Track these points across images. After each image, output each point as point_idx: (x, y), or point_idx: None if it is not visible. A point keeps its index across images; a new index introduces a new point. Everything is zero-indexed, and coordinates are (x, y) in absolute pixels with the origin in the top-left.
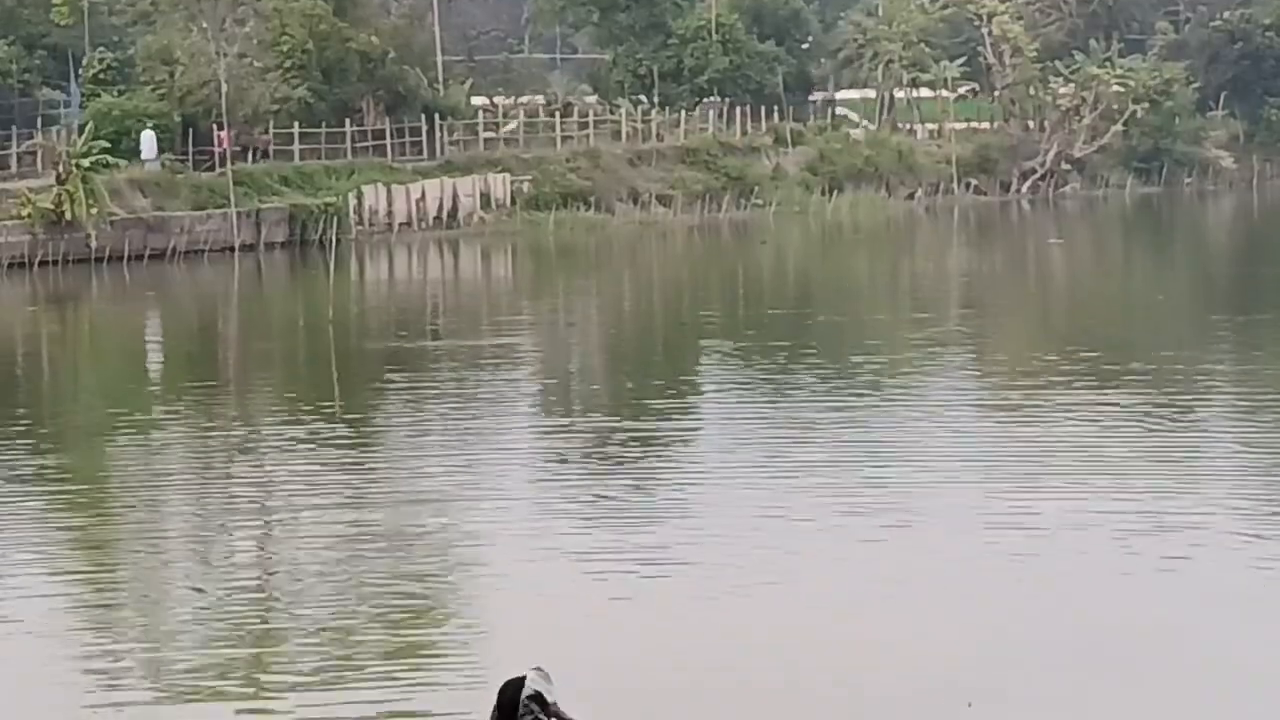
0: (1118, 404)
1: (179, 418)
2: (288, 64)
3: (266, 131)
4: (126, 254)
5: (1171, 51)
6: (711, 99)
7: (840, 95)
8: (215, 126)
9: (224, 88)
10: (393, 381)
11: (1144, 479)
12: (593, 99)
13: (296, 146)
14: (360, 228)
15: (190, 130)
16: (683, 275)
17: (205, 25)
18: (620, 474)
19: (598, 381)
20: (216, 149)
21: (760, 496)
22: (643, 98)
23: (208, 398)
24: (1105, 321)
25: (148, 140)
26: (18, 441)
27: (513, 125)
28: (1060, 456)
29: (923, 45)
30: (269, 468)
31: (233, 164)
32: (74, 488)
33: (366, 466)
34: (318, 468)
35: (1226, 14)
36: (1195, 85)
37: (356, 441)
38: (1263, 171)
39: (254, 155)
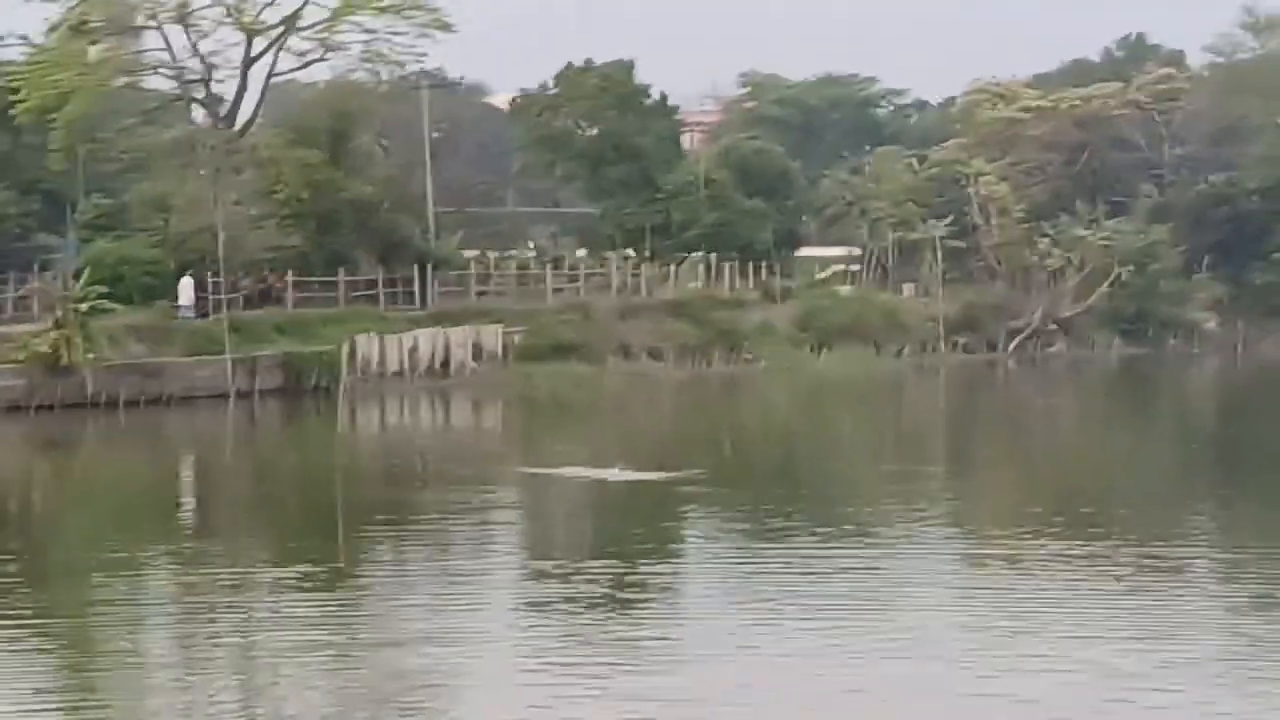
0: (1093, 559)
1: (168, 562)
2: (284, 212)
3: (283, 278)
4: (122, 399)
5: (1156, 214)
6: (699, 254)
7: (827, 252)
8: (210, 273)
9: (220, 235)
10: (381, 528)
11: (1120, 641)
12: (582, 253)
13: (290, 295)
14: (353, 377)
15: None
16: (672, 428)
17: (202, 172)
18: (605, 619)
19: (582, 529)
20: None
21: (736, 659)
22: (631, 252)
23: (198, 542)
24: (1081, 482)
25: (185, 287)
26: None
27: (504, 277)
28: (1038, 614)
29: (910, 204)
30: (255, 612)
31: (241, 310)
32: (58, 628)
33: (352, 610)
34: (304, 612)
35: (1212, 177)
36: (1180, 248)
37: (343, 586)
38: (1247, 335)
39: (272, 300)
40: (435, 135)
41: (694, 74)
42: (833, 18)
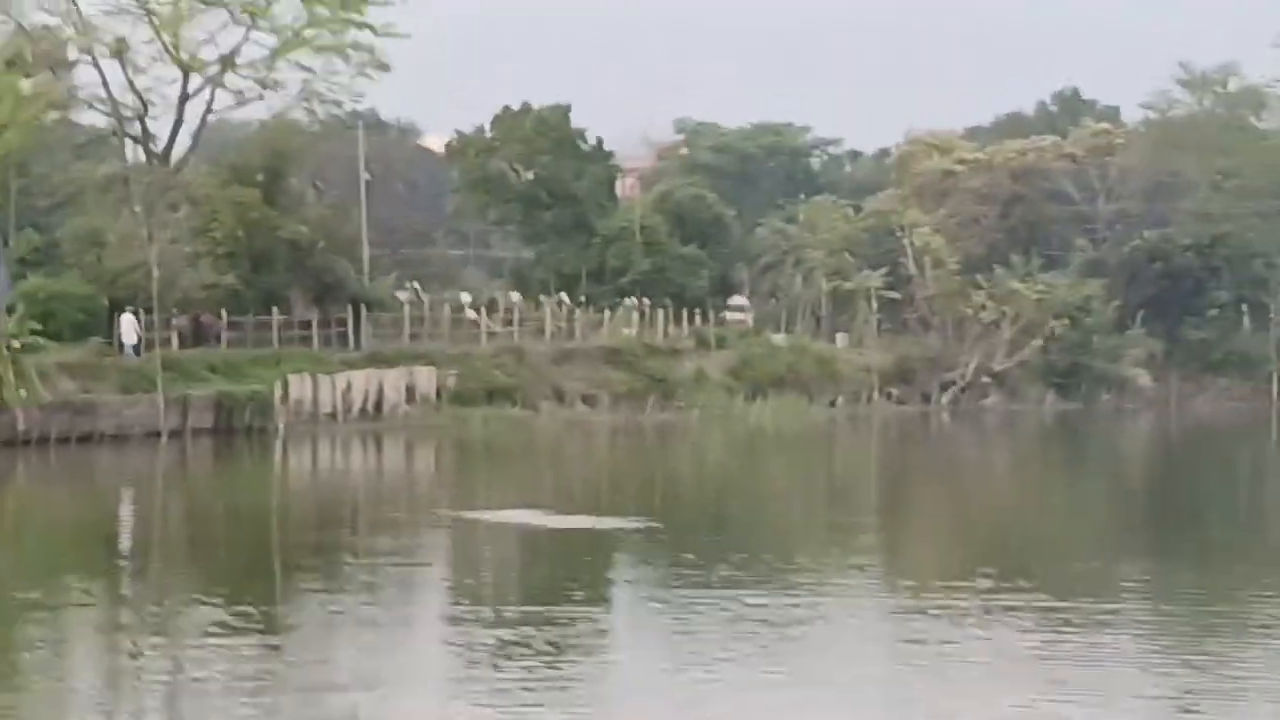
0: (1020, 612)
1: (94, 602)
2: (220, 250)
3: (216, 318)
4: (53, 437)
5: (1090, 269)
6: (633, 300)
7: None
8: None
9: (155, 272)
10: (311, 571)
11: (1047, 691)
12: (516, 296)
13: (224, 334)
14: (286, 417)
15: (115, 314)
16: (605, 476)
17: (137, 209)
18: (533, 665)
19: (513, 575)
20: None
21: (664, 705)
22: (564, 296)
23: (125, 583)
24: (1011, 535)
25: (128, 325)
26: None
27: (438, 319)
28: (968, 664)
29: (845, 253)
30: (182, 653)
31: (179, 349)
32: None
33: (279, 653)
34: (230, 653)
35: (1146, 233)
36: (1114, 303)
37: (271, 629)
38: (1181, 391)
39: (208, 339)
40: (367, 177)
41: (627, 119)
42: (768, 66)
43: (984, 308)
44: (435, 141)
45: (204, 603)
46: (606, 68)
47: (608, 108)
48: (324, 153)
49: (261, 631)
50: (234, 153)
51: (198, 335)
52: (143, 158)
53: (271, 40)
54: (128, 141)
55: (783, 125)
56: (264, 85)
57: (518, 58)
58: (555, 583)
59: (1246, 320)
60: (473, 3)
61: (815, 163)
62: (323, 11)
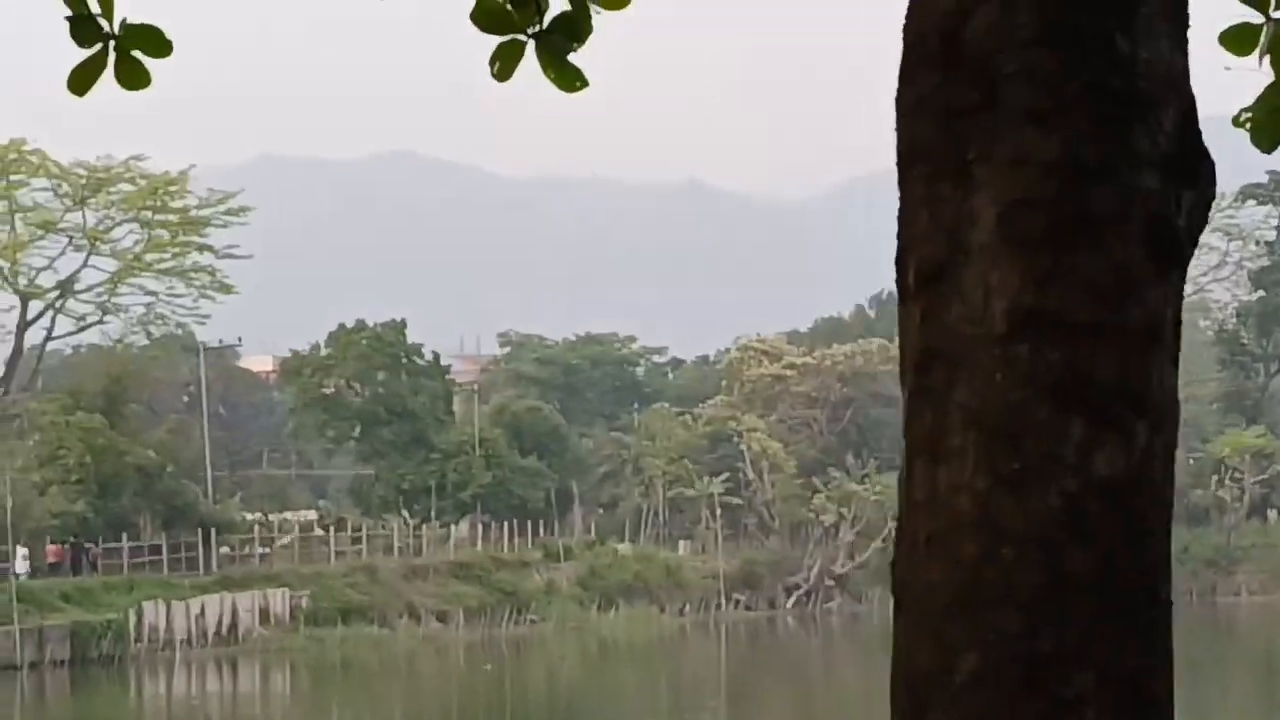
0: None
1: None
2: (73, 479)
3: (74, 549)
4: None
5: None
6: (474, 514)
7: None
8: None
9: (9, 502)
10: None
11: None
12: (357, 513)
13: (85, 562)
14: (140, 645)
15: None
16: (461, 694)
17: None
18: None
19: None
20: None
21: None
22: (405, 513)
23: None
24: None
25: (23, 556)
26: None
27: (286, 540)
28: None
29: (685, 461)
30: None
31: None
32: None
33: None
34: None
35: None
36: None
37: None
38: None
39: (87, 568)
40: (185, 398)
41: (440, 332)
42: (587, 278)
43: (825, 511)
44: (253, 362)
45: None
46: (414, 284)
47: (427, 323)
48: (154, 376)
49: None
50: (74, 378)
51: (72, 565)
52: None
53: (112, 265)
54: None
55: (607, 335)
56: (105, 310)
57: (327, 278)
58: None
59: None
60: (287, 222)
61: (639, 371)
62: (163, 234)
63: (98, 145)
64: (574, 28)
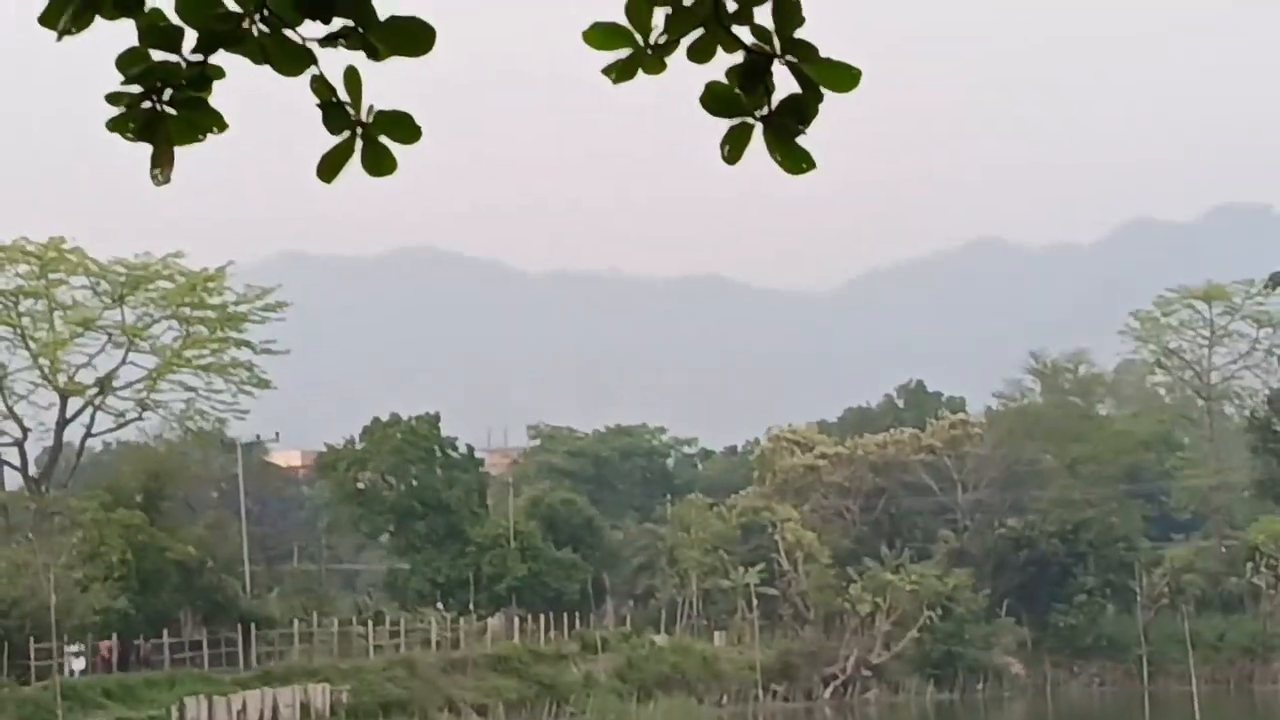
0: None
1: None
2: (115, 575)
3: (109, 646)
4: None
5: (955, 558)
6: (510, 607)
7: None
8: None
9: (53, 600)
10: None
11: None
12: (394, 607)
13: (116, 658)
14: None
15: (6, 643)
16: None
17: (30, 536)
18: None
19: None
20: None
21: None
22: (440, 605)
23: None
24: None
25: (78, 657)
26: None
27: (326, 635)
28: None
29: (721, 552)
30: None
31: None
32: None
33: None
34: None
35: (1011, 521)
36: (984, 591)
37: None
38: (1053, 677)
39: (136, 664)
40: (215, 493)
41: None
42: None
43: (860, 600)
44: (281, 457)
45: None
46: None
47: (451, 416)
48: (191, 472)
49: None
50: (114, 475)
51: (124, 660)
52: (20, 484)
53: (151, 361)
54: (4, 468)
55: (637, 427)
56: (144, 406)
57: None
58: None
59: (1110, 605)
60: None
61: (669, 462)
62: (202, 330)
63: (121, 243)
64: (802, 110)
